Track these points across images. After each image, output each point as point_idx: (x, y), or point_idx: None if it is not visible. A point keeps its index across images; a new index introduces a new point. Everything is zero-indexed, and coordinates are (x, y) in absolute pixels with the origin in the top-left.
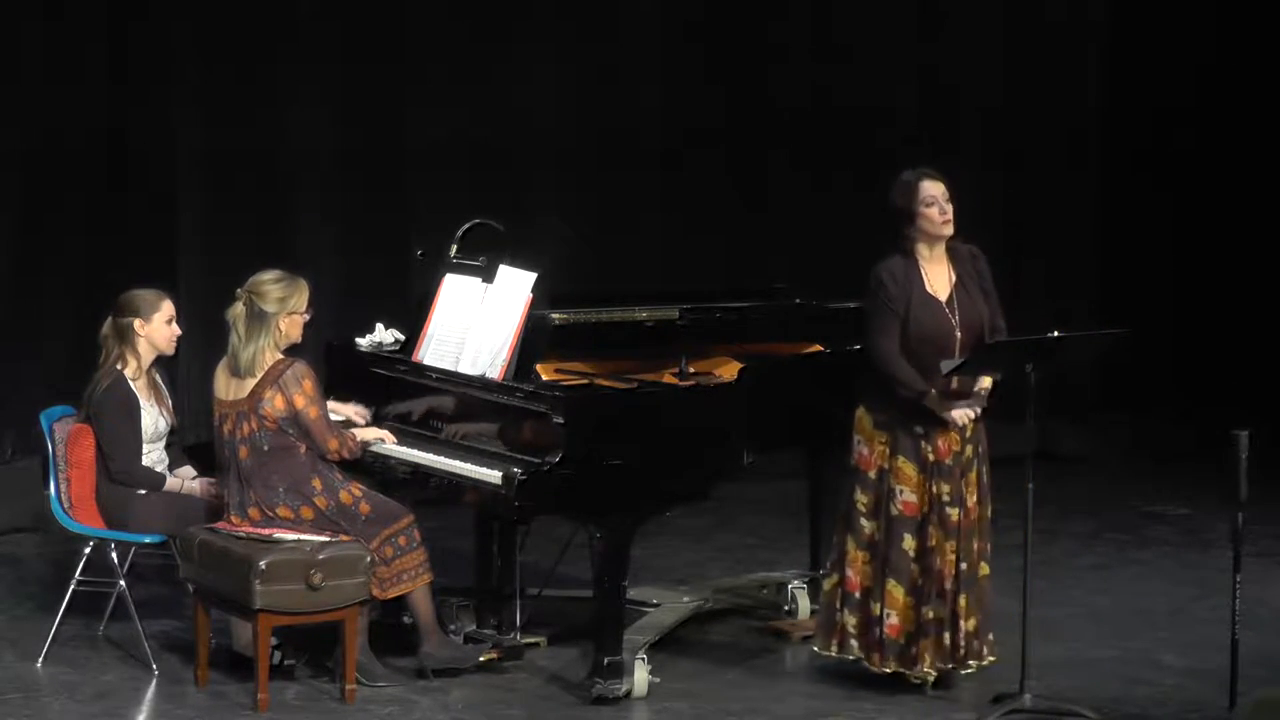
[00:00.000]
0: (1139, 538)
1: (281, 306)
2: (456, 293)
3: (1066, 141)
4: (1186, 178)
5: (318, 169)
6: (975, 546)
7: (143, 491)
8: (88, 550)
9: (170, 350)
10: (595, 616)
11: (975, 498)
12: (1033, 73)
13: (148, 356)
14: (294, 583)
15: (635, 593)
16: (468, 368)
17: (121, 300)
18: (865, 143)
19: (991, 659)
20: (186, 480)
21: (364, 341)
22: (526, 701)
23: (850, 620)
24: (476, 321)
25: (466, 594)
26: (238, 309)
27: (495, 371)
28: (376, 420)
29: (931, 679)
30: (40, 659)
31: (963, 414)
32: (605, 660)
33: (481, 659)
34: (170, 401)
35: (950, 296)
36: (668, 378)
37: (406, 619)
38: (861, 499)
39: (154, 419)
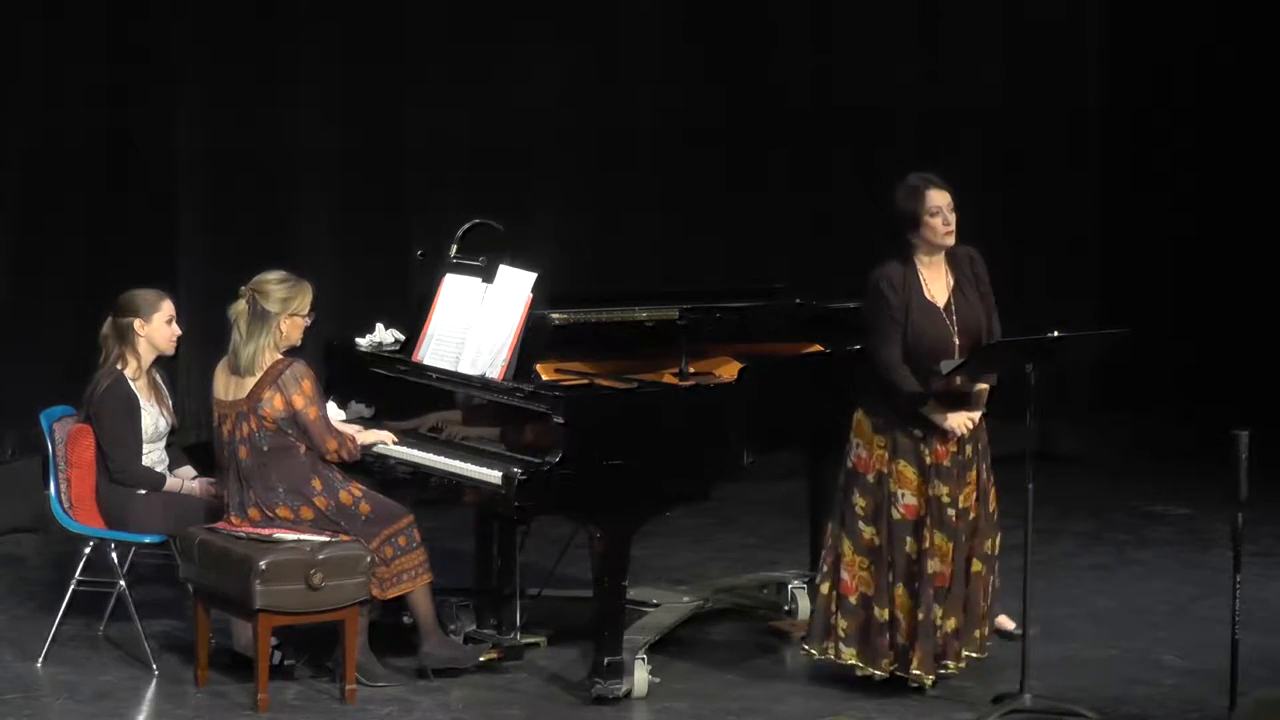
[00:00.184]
0: (1139, 538)
1: (284, 307)
2: (456, 293)
3: (1066, 141)
4: (1186, 178)
5: (318, 169)
6: (974, 545)
7: (143, 491)
8: (88, 550)
9: (170, 350)
10: (595, 616)
11: (975, 497)
12: (1033, 73)
13: (148, 356)
14: (294, 583)
15: (635, 593)
16: (468, 368)
17: (121, 300)
18: (865, 143)
19: (971, 654)
20: (186, 480)
21: (364, 341)
22: (526, 701)
23: (843, 624)
24: (476, 321)
25: (466, 594)
26: (240, 306)
27: (495, 371)
28: (376, 421)
29: (930, 682)
30: (40, 659)
31: (962, 422)
32: (605, 660)
33: (481, 659)
34: (170, 401)
35: (948, 302)
36: (668, 378)
37: (406, 619)
38: (860, 502)
39: (154, 419)
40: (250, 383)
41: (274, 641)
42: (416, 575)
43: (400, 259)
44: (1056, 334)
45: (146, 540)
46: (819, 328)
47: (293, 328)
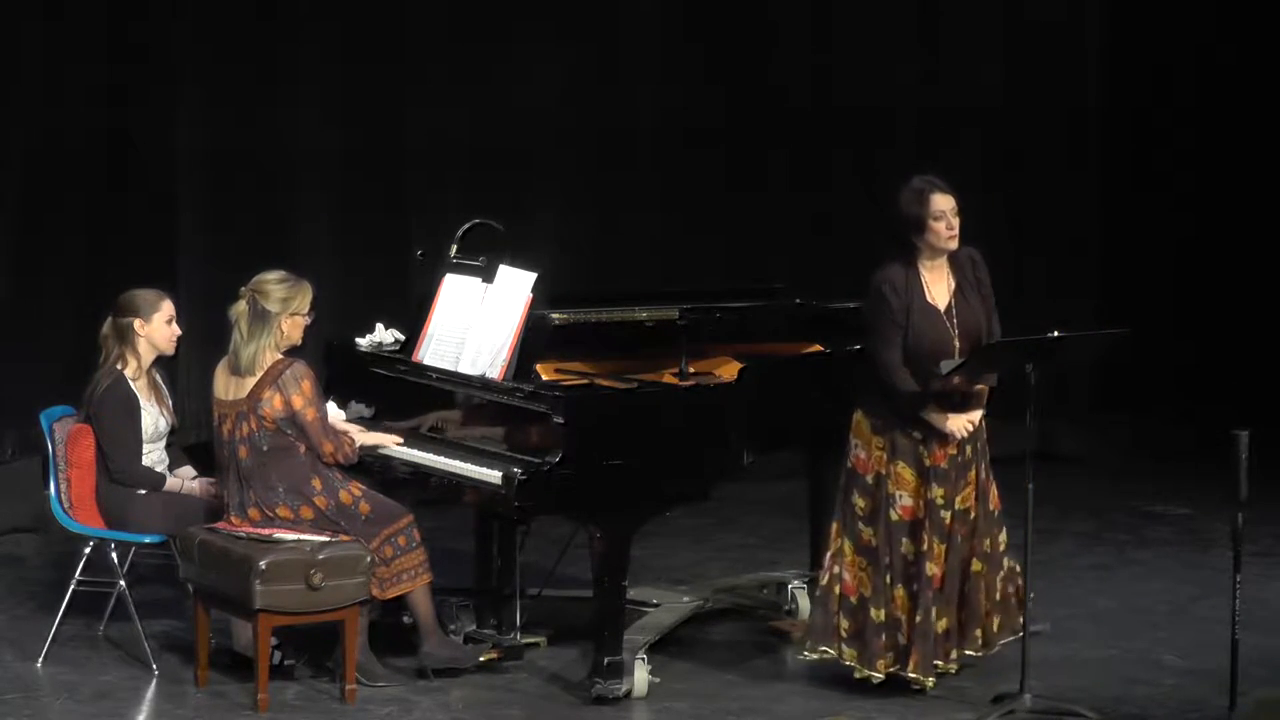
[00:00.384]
0: (1139, 538)
1: (284, 307)
2: (456, 293)
3: (1066, 141)
4: (1186, 178)
5: (318, 169)
6: (973, 544)
7: (143, 491)
8: (88, 550)
9: (170, 350)
10: (595, 616)
11: (974, 496)
12: (1033, 73)
13: (148, 356)
14: (294, 583)
15: (635, 593)
16: (468, 368)
17: (121, 300)
18: (865, 143)
19: (967, 651)
20: (186, 480)
21: (364, 341)
22: (526, 701)
23: (845, 624)
24: (476, 321)
25: (466, 594)
26: (240, 306)
27: (495, 371)
28: (376, 421)
29: (931, 684)
30: (40, 659)
31: (961, 425)
32: (605, 660)
33: (481, 659)
34: (170, 401)
35: (949, 305)
36: (668, 378)
37: (406, 619)
38: (859, 503)
39: (154, 419)
40: (250, 383)
41: (274, 641)
42: (416, 575)
43: (400, 259)
44: (1056, 334)
45: (146, 540)
46: (819, 328)
47: (293, 327)
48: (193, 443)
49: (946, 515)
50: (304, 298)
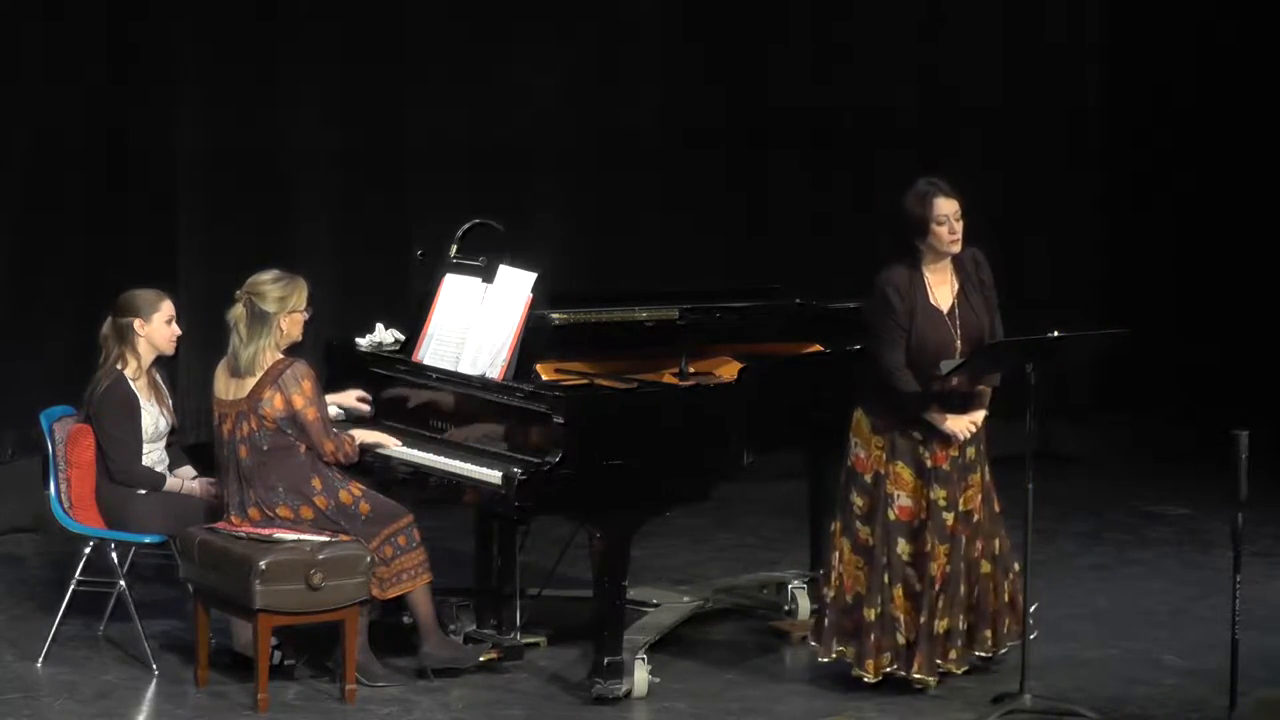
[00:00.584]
0: (1139, 538)
1: (282, 306)
2: (456, 293)
3: (1066, 141)
4: (1186, 177)
5: (318, 169)
6: (979, 546)
7: (143, 491)
8: (88, 550)
9: (170, 350)
10: (595, 616)
11: (979, 499)
12: (1033, 73)
13: (148, 356)
14: (294, 583)
15: (635, 593)
16: (468, 368)
17: (121, 300)
18: (865, 143)
19: (978, 652)
20: (186, 480)
21: (364, 341)
22: (526, 701)
23: (844, 623)
24: (476, 321)
25: (466, 594)
26: (238, 310)
27: (495, 371)
28: (376, 421)
29: (934, 683)
30: (40, 659)
31: (964, 426)
32: (605, 660)
33: (481, 659)
34: (170, 401)
35: (952, 307)
36: (668, 378)
37: (406, 619)
38: (858, 502)
39: (154, 419)
40: (251, 382)
41: (274, 641)
42: (416, 575)
43: (400, 259)
44: (1056, 334)
45: (146, 540)
46: (819, 328)
47: (292, 325)
48: (193, 443)
49: (949, 517)
50: (300, 295)
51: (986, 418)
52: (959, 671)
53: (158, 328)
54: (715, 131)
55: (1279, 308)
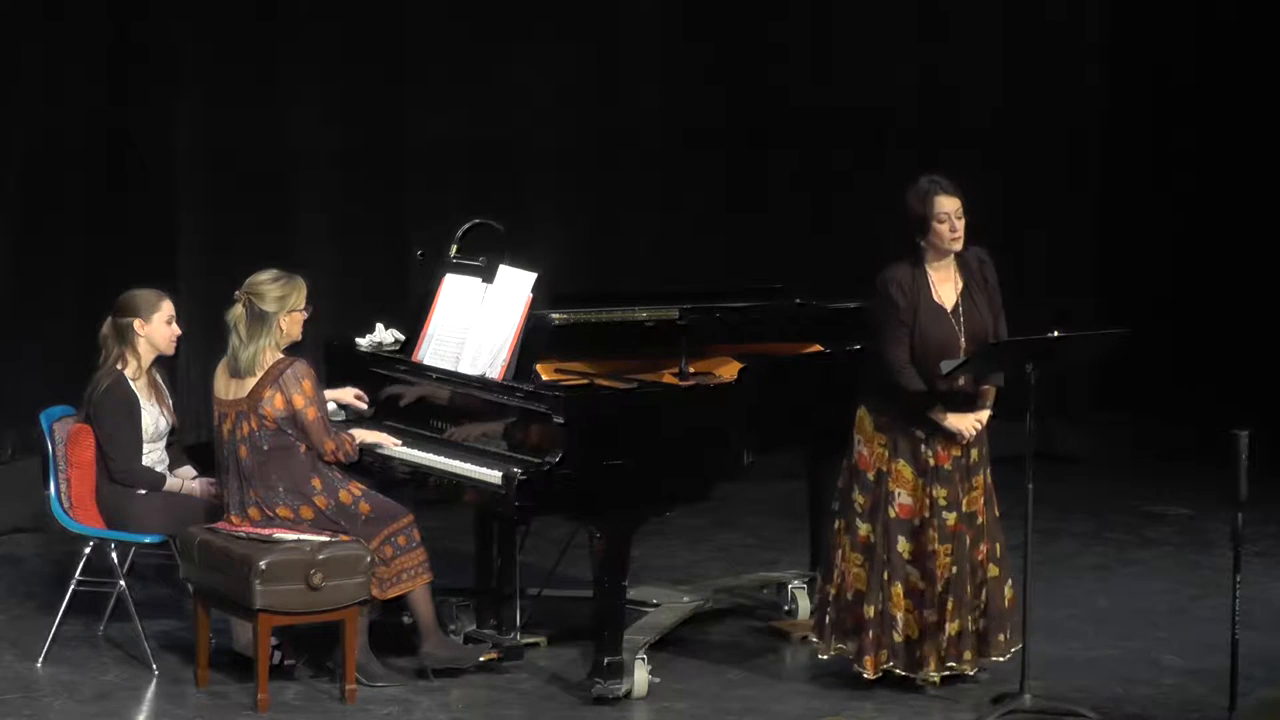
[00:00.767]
0: (1139, 538)
1: (281, 305)
2: (456, 293)
3: (1066, 141)
4: (1187, 177)
5: (318, 169)
6: (983, 549)
7: (143, 491)
8: (88, 550)
9: (170, 350)
10: (595, 616)
11: (981, 500)
12: (1033, 73)
13: (148, 356)
14: (294, 583)
15: (635, 593)
16: (468, 368)
17: (121, 300)
18: (865, 143)
19: (994, 657)
20: (186, 480)
21: (364, 341)
22: (526, 701)
23: (845, 621)
24: (476, 321)
25: (466, 594)
26: (237, 310)
27: (495, 371)
28: (376, 421)
29: (937, 680)
30: (40, 659)
31: (969, 425)
32: (605, 660)
33: (481, 659)
34: (170, 401)
35: (956, 305)
36: (668, 378)
37: (406, 619)
38: (859, 500)
39: (154, 419)
40: (251, 382)
41: (274, 641)
42: (416, 575)
43: (400, 259)
44: (1056, 334)
45: (146, 540)
46: (819, 328)
47: (292, 324)
48: (193, 443)
49: (950, 517)
50: (299, 294)
51: (991, 417)
52: (971, 672)
53: (158, 328)
54: (715, 131)
55: (1279, 308)
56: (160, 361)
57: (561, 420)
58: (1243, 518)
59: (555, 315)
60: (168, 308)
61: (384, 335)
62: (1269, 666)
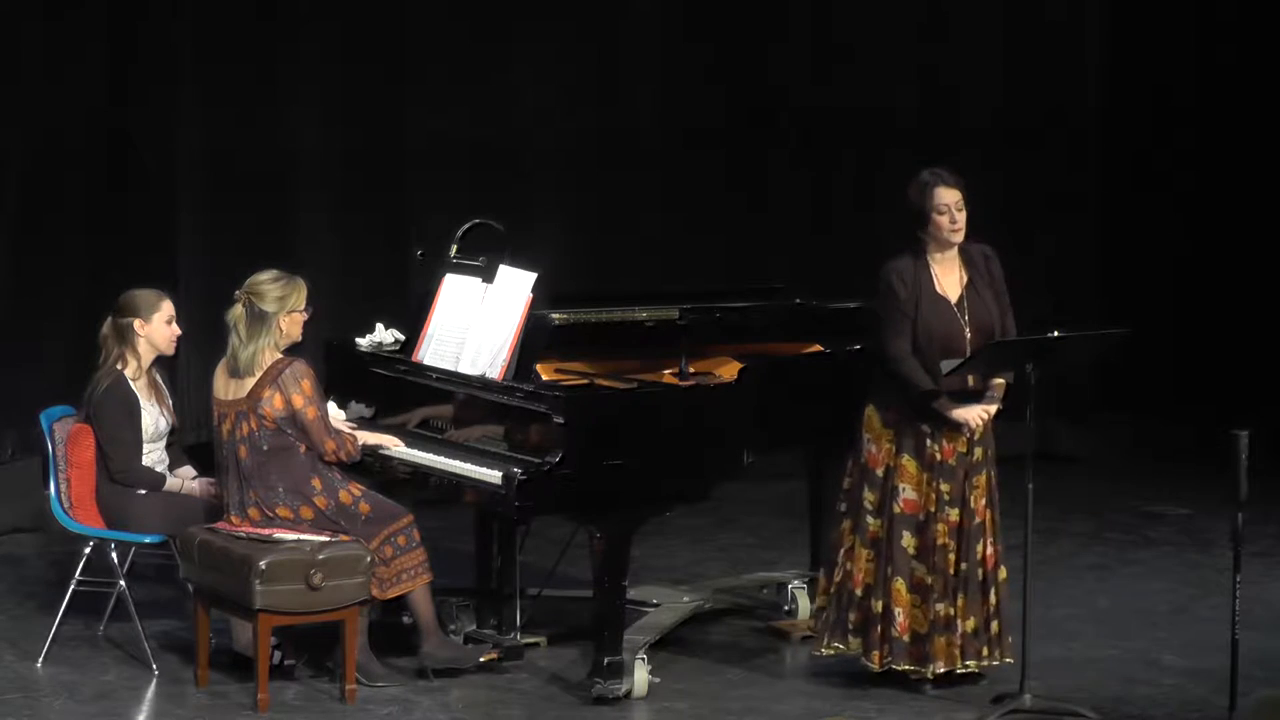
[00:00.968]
0: (1139, 538)
1: (281, 305)
2: (456, 293)
3: (1066, 141)
4: (1186, 178)
5: (318, 169)
6: (987, 549)
7: (143, 491)
8: (88, 550)
9: (170, 350)
10: (595, 616)
11: (984, 500)
12: (1033, 73)
13: (148, 356)
14: (294, 583)
15: (635, 593)
16: (468, 368)
17: (121, 300)
18: (865, 143)
19: (1007, 659)
20: (186, 480)
21: (364, 341)
22: (526, 701)
23: (851, 617)
24: (476, 321)
25: (466, 594)
26: (237, 310)
27: (495, 371)
28: (376, 421)
29: (933, 673)
30: (40, 659)
31: (975, 415)
32: (605, 660)
33: (481, 659)
34: (170, 401)
35: (960, 297)
36: (668, 378)
37: (406, 619)
38: (869, 497)
39: (154, 419)
40: (250, 382)
41: (274, 641)
42: (416, 575)
43: (400, 259)
44: (1056, 334)
45: (146, 540)
46: (819, 328)
47: (292, 324)
48: (193, 443)
49: (953, 513)
50: (299, 294)
51: (1000, 412)
52: (985, 666)
53: (158, 328)
54: (715, 131)
55: (1279, 308)
56: (160, 361)
57: (561, 420)
58: (1243, 518)
59: (555, 315)
60: (168, 308)
61: (384, 335)
62: (1269, 666)
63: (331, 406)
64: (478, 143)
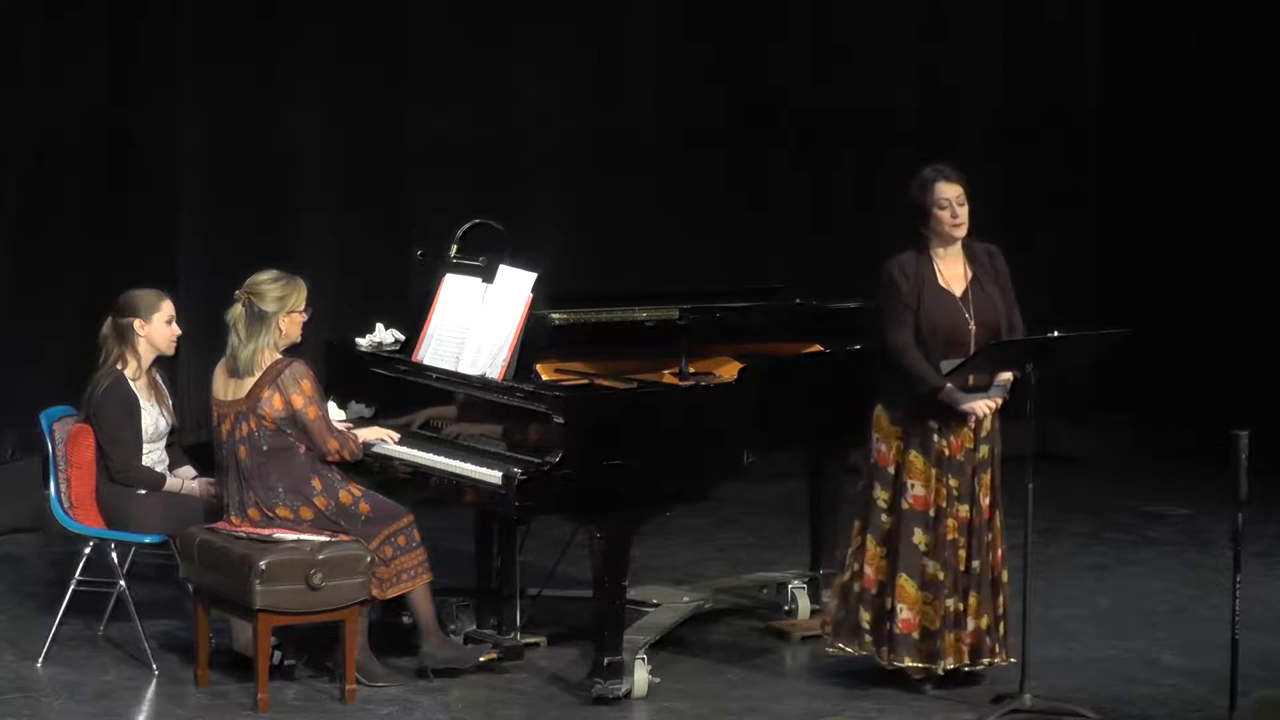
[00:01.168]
0: (1139, 538)
1: (281, 306)
2: (456, 293)
3: (1066, 141)
4: (1186, 177)
5: (318, 169)
6: (994, 549)
7: (142, 491)
8: (88, 550)
9: (170, 350)
10: (595, 616)
11: (988, 500)
12: (1033, 73)
13: (148, 356)
14: (294, 583)
15: (635, 593)
16: (468, 368)
17: (121, 300)
18: (865, 143)
19: (1011, 659)
20: (186, 480)
21: (364, 341)
22: (526, 701)
23: (866, 616)
24: (476, 321)
25: (466, 594)
26: (237, 310)
27: (495, 371)
28: (376, 421)
29: (948, 669)
30: (40, 659)
31: (982, 406)
32: (605, 660)
33: (481, 659)
34: (170, 401)
35: (965, 292)
36: (668, 378)
37: (406, 619)
38: (881, 495)
39: (154, 419)
40: (249, 382)
41: (274, 641)
42: (416, 575)
43: (400, 259)
44: (1056, 334)
45: (146, 540)
46: (819, 328)
47: (291, 325)
48: (193, 443)
49: (964, 508)
50: (299, 295)
51: (1002, 410)
52: (971, 668)
53: (158, 328)
54: (715, 131)
55: (1279, 308)
56: (160, 361)
57: (561, 420)
58: (1243, 518)
59: (555, 315)
60: (168, 308)
61: (384, 335)
62: (1269, 666)
63: (331, 406)
64: (478, 143)
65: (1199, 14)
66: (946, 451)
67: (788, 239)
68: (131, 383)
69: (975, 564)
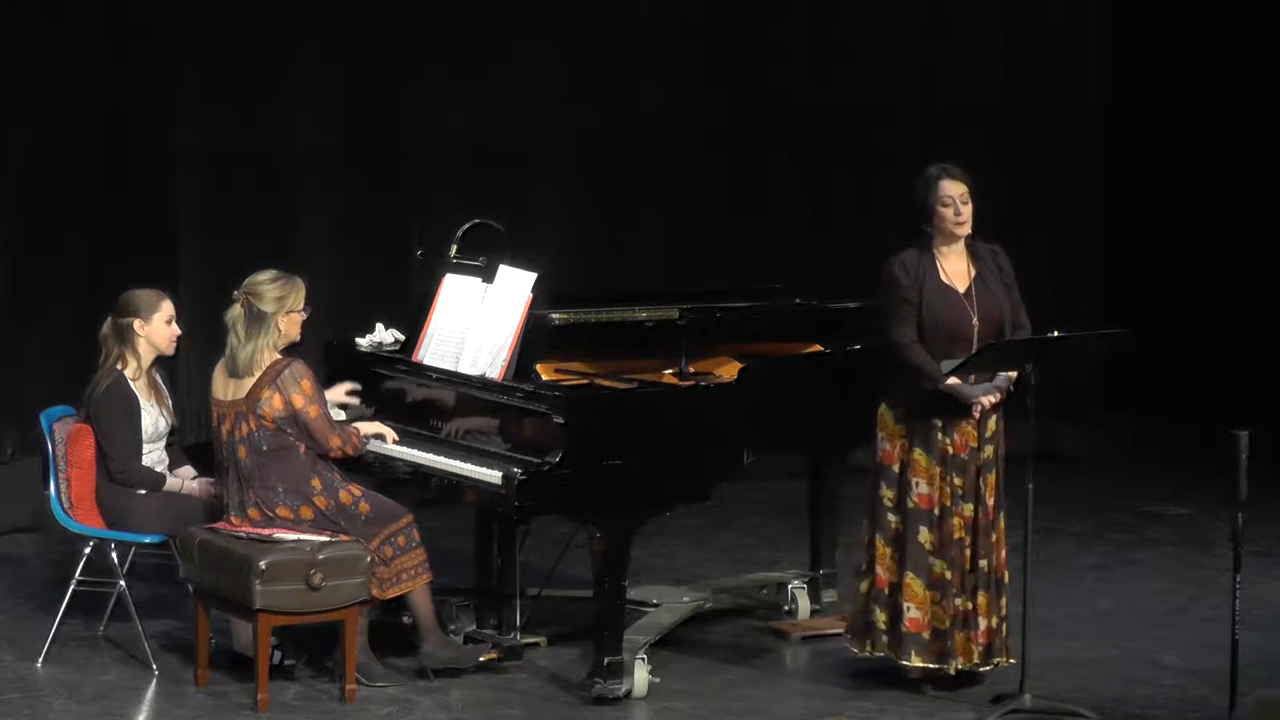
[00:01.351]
0: (1139, 538)
1: (280, 306)
2: (456, 293)
3: (1067, 142)
4: (1186, 177)
5: (318, 169)
6: (997, 550)
7: (142, 491)
8: (88, 550)
9: (170, 350)
10: (595, 616)
11: (993, 499)
12: (1033, 73)
13: (148, 356)
14: (294, 583)
15: (635, 593)
16: (468, 368)
17: (121, 300)
18: (865, 143)
19: (1011, 660)
20: (186, 480)
21: (364, 341)
22: (526, 701)
23: (881, 617)
24: (476, 321)
25: (466, 594)
26: (236, 310)
27: (495, 371)
28: (376, 420)
29: (960, 669)
30: (40, 659)
31: (986, 398)
32: (605, 660)
33: (481, 659)
34: (170, 401)
35: (969, 288)
36: (668, 378)
37: (406, 619)
38: (887, 494)
39: (154, 419)
40: (249, 382)
41: (274, 641)
42: (416, 575)
43: (400, 259)
44: (1056, 334)
45: (146, 540)
46: (819, 328)
47: (291, 325)
48: (193, 443)
49: (969, 507)
50: (298, 294)
51: (1002, 406)
52: (984, 668)
53: (158, 328)
54: (715, 131)
55: (1279, 308)
56: (160, 361)
57: (561, 420)
58: (1243, 518)
59: (555, 315)
60: (168, 308)
61: (384, 335)
62: (1269, 666)
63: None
64: (478, 143)
65: (1199, 14)
66: (950, 450)
67: (787, 239)
68: (131, 383)
69: (982, 563)
